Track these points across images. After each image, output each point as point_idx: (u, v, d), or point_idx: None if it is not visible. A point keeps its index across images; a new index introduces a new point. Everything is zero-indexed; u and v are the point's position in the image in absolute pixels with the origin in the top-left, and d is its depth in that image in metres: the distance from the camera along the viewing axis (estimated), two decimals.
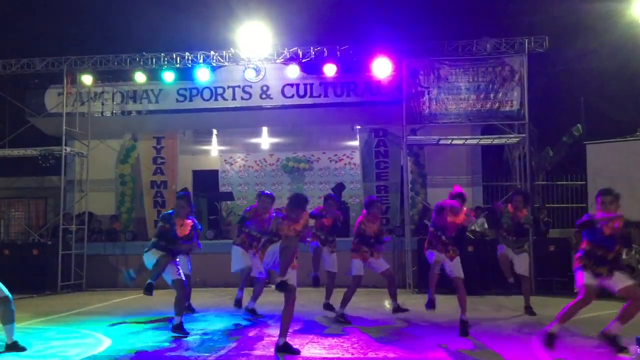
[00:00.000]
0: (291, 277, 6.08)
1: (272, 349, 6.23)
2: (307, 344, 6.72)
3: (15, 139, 14.11)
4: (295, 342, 6.50)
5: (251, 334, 7.45)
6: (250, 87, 14.38)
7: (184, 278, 7.45)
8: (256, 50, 13.55)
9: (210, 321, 8.38)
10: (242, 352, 6.37)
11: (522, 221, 8.95)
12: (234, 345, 6.75)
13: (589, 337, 6.87)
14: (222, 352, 6.38)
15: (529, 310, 8.83)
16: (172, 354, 6.35)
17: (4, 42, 17.85)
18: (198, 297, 11.10)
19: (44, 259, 12.72)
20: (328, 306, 8.79)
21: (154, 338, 7.18)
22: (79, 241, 13.35)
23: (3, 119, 14.54)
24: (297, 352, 6.15)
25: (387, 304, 8.91)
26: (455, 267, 7.41)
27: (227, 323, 8.21)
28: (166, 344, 6.83)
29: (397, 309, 8.35)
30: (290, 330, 6.53)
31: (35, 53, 13.91)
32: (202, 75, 13.71)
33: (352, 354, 6.21)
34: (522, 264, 8.98)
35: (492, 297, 10.52)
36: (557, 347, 5.96)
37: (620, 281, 5.98)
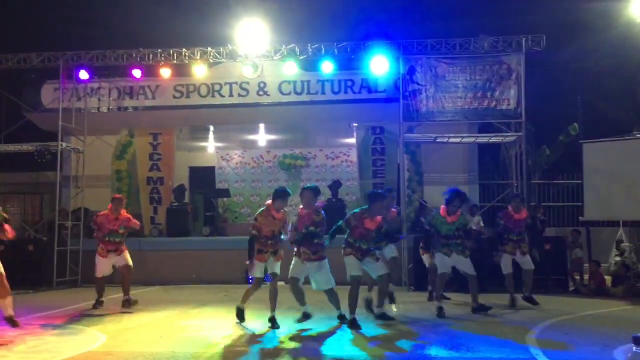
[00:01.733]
0: None
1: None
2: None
3: (11, 134, 14.08)
4: None
5: (241, 332, 7.44)
6: (248, 83, 14.36)
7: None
8: (253, 47, 13.54)
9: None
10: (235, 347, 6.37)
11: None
12: (227, 342, 6.75)
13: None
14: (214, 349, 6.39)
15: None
16: (167, 350, 6.34)
17: (0, 37, 17.77)
18: (194, 294, 11.11)
19: (40, 254, 12.69)
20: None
21: (149, 334, 7.17)
22: (75, 237, 13.32)
23: None
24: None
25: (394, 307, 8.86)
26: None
27: (221, 320, 8.21)
28: (161, 340, 6.82)
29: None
30: None
31: (32, 48, 13.87)
32: (199, 71, 13.69)
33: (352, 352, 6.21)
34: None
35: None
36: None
37: None
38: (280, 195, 7.51)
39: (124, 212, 9.29)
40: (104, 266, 9.22)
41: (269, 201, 7.60)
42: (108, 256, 9.17)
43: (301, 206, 7.60)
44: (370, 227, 7.61)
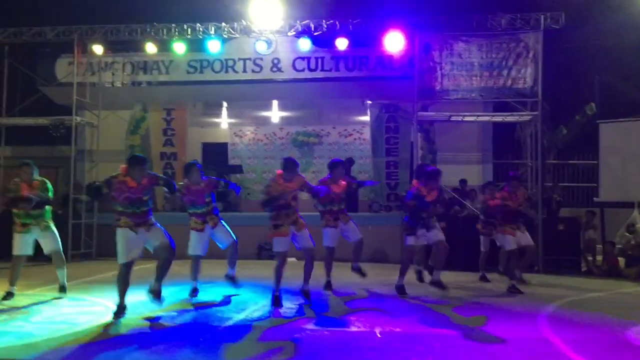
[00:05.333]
0: None
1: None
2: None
3: (26, 108, 14.14)
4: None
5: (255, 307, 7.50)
6: (261, 59, 14.28)
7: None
8: (268, 23, 13.44)
9: (212, 292, 8.44)
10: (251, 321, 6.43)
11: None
12: (241, 316, 6.81)
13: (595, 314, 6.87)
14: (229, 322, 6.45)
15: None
16: (181, 321, 6.42)
17: (15, 10, 17.76)
18: (208, 269, 11.18)
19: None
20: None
21: (162, 307, 7.25)
22: (89, 211, 13.45)
23: (14, 88, 14.53)
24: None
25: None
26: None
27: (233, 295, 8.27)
28: (174, 313, 6.90)
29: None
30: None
31: (46, 22, 13.86)
32: (213, 46, 13.64)
33: (359, 328, 6.25)
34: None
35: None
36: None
37: None
38: (286, 165, 7.47)
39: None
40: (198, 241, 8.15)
41: (279, 171, 7.55)
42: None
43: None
44: (337, 191, 8.26)
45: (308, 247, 7.56)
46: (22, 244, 7.77)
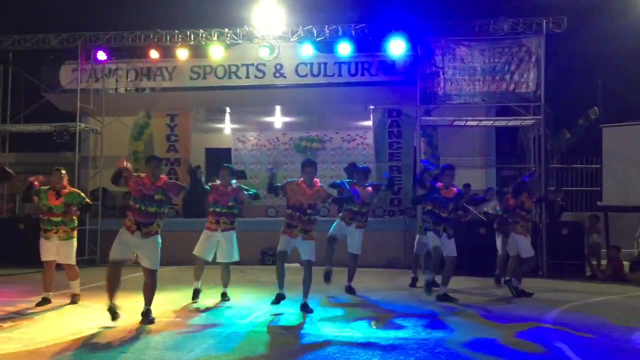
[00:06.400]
0: None
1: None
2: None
3: (30, 114, 14.19)
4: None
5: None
6: (264, 65, 14.31)
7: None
8: (270, 29, 13.47)
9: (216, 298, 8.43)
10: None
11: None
12: (242, 322, 6.80)
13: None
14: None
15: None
16: (186, 327, 6.42)
17: (19, 17, 17.86)
18: (210, 274, 11.20)
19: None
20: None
21: (165, 313, 7.26)
22: (93, 217, 13.46)
23: (18, 95, 14.59)
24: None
25: None
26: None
27: (237, 300, 8.27)
28: (179, 319, 6.90)
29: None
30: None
31: (50, 29, 13.93)
32: (216, 52, 13.68)
33: (362, 334, 6.24)
34: None
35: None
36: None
37: None
38: (304, 165, 7.47)
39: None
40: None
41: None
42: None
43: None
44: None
45: (307, 259, 7.33)
46: (43, 250, 7.90)
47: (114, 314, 6.55)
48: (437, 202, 8.39)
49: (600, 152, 12.53)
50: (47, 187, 7.96)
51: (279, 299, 7.36)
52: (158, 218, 6.80)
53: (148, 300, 6.79)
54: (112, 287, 6.62)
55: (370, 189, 8.81)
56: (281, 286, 7.39)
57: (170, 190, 6.87)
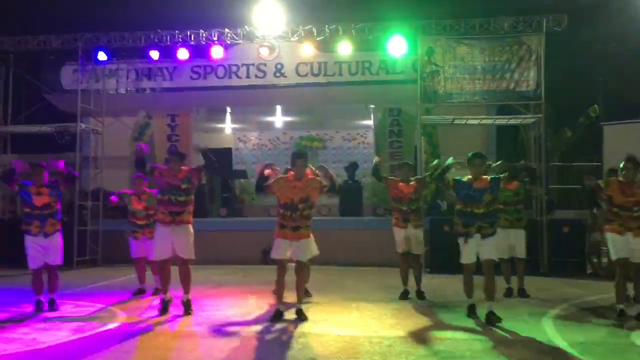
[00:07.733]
0: None
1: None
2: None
3: (30, 115, 14.23)
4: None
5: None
6: (265, 65, 14.34)
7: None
8: (270, 28, 13.49)
9: (217, 299, 8.43)
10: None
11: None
12: (242, 321, 6.81)
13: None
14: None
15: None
16: (188, 329, 6.43)
17: (20, 18, 17.87)
18: (212, 274, 11.23)
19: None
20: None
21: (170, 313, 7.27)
22: (94, 217, 13.49)
23: (19, 96, 14.62)
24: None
25: None
26: None
27: (238, 300, 8.28)
28: (180, 319, 6.92)
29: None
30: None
31: (51, 30, 13.95)
32: (217, 52, 13.70)
33: (363, 333, 6.25)
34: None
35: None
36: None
37: None
38: (294, 156, 6.85)
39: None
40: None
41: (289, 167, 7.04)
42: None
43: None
44: (406, 191, 8.33)
45: (298, 259, 6.77)
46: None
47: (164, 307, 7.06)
48: (467, 198, 6.88)
49: (601, 150, 12.52)
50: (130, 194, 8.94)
51: (278, 315, 6.74)
52: (189, 206, 7.14)
53: (187, 290, 7.15)
54: (165, 282, 7.21)
55: (413, 183, 8.39)
56: (281, 300, 6.85)
57: (194, 176, 7.17)
